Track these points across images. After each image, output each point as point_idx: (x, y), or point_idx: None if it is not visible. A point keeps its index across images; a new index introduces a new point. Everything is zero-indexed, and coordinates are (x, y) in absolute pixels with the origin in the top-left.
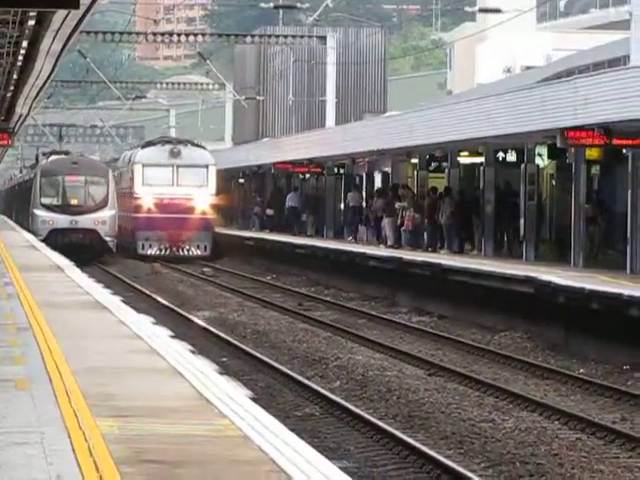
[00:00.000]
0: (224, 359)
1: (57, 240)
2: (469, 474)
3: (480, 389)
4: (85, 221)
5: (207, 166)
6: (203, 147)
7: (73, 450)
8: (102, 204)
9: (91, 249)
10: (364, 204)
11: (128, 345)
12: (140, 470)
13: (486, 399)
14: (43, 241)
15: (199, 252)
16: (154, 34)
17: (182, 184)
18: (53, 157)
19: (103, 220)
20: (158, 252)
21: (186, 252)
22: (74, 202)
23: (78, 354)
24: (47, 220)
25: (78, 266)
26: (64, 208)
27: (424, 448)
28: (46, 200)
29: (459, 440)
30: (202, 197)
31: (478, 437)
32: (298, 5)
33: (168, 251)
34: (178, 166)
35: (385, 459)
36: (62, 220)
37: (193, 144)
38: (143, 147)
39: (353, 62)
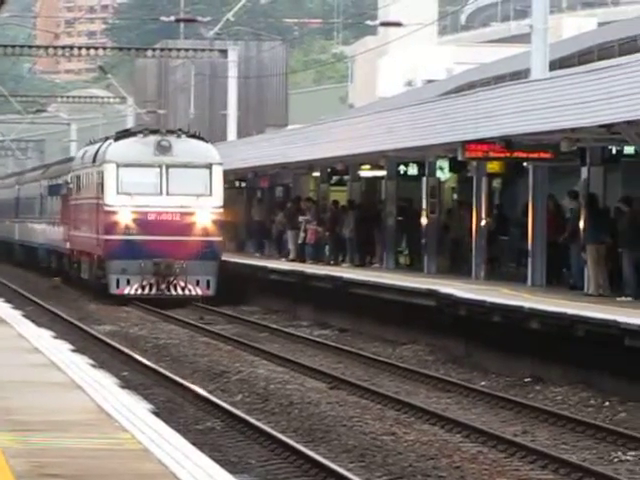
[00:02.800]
0: (125, 373)
1: None
2: None
3: (381, 402)
4: None
5: (210, 166)
6: (203, 139)
7: None
8: None
9: None
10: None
11: (27, 359)
12: None
13: (388, 412)
14: None
15: (199, 291)
16: (55, 47)
17: (175, 192)
18: None
19: None
20: (140, 291)
21: (180, 291)
22: None
23: None
24: None
25: None
26: None
27: (325, 461)
28: None
29: (361, 453)
30: (204, 211)
31: (380, 450)
32: (199, 19)
33: (154, 289)
34: (168, 166)
35: (287, 472)
36: None
37: (189, 134)
38: (117, 139)
39: (254, 76)
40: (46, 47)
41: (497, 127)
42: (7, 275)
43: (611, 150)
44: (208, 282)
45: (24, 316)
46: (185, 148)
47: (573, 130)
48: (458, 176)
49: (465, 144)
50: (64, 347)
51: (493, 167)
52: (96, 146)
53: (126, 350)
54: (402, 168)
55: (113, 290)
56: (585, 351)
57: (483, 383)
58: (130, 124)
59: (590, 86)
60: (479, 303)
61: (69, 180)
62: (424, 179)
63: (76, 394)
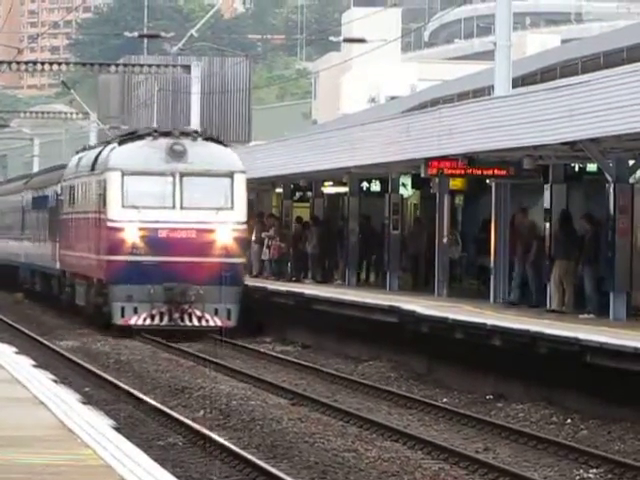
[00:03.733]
0: (87, 389)
1: None
2: None
3: (344, 419)
4: None
5: (232, 174)
6: (222, 142)
7: None
8: None
9: None
10: None
11: None
12: None
13: (349, 429)
14: None
15: (217, 321)
16: (18, 63)
17: (190, 205)
18: None
19: None
20: (149, 321)
21: (196, 322)
22: None
23: None
24: None
25: None
26: None
27: (287, 478)
28: None
29: (322, 470)
30: (225, 227)
31: (341, 467)
32: (162, 34)
33: (166, 319)
34: (183, 174)
35: None
36: None
37: (206, 137)
38: (122, 142)
39: (218, 91)
40: (9, 62)
41: (460, 144)
42: None
43: (574, 167)
44: (229, 311)
45: None
46: (202, 153)
47: (535, 147)
48: (421, 193)
49: (428, 161)
50: (26, 362)
51: (456, 184)
52: (94, 151)
53: (88, 366)
54: (365, 185)
55: (117, 320)
56: (547, 368)
57: (445, 400)
58: (93, 140)
59: (552, 103)
60: (441, 320)
61: (59, 191)
62: (387, 196)
63: (38, 410)
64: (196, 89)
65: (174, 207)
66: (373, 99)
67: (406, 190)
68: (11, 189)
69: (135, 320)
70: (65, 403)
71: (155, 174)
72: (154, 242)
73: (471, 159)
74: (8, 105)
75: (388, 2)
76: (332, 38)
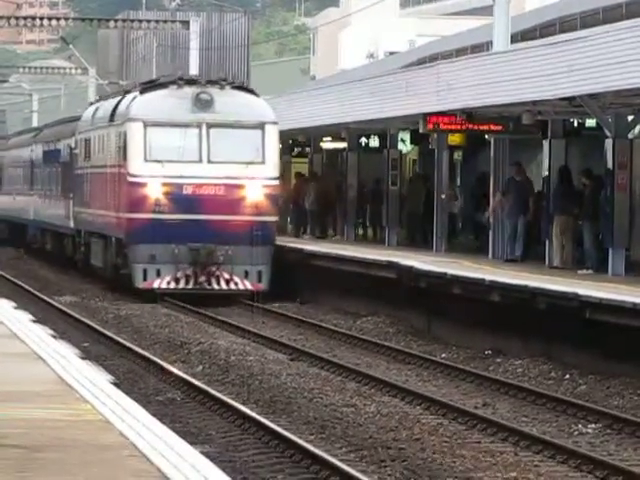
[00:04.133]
0: (86, 344)
1: None
2: (331, 458)
3: (342, 374)
4: None
5: (263, 125)
6: (253, 91)
7: None
8: None
9: None
10: None
11: None
12: (0, 454)
13: (348, 384)
14: None
15: (248, 284)
16: (16, 18)
17: (218, 159)
18: None
19: None
20: (173, 284)
21: (225, 285)
22: None
23: None
24: None
25: None
26: None
27: (286, 433)
28: None
29: (321, 425)
30: (255, 183)
31: (340, 422)
32: None
33: (192, 282)
34: (210, 125)
35: (247, 444)
36: None
37: (235, 85)
38: (143, 91)
39: (216, 47)
40: (8, 17)
41: (458, 99)
42: None
43: (573, 123)
44: (259, 273)
45: None
46: (230, 103)
47: (534, 103)
48: (420, 148)
49: (426, 116)
50: (25, 318)
51: (454, 139)
52: (112, 101)
53: (86, 321)
54: (363, 140)
55: (139, 283)
56: (546, 324)
57: (444, 355)
58: (92, 95)
59: (551, 59)
60: (440, 275)
61: (73, 145)
62: (385, 151)
63: (37, 365)
64: (194, 45)
65: (200, 161)
66: (372, 55)
67: (405, 146)
68: (19, 142)
69: (158, 283)
70: (64, 358)
71: (180, 125)
72: (179, 199)
73: (470, 114)
74: (7, 60)
75: None
76: None
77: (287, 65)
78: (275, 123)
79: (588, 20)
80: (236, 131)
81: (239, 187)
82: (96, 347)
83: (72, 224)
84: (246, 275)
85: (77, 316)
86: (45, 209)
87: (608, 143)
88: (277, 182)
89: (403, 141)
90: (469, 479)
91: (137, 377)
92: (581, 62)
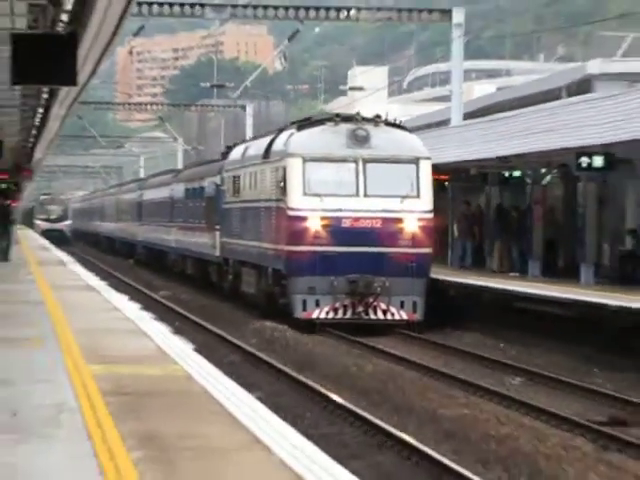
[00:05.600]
0: (177, 323)
1: None
2: (331, 395)
3: (348, 344)
4: None
5: (417, 161)
6: (405, 128)
7: (73, 386)
8: None
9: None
10: None
11: (110, 314)
12: (118, 400)
13: (354, 351)
14: None
15: (403, 315)
16: (129, 104)
17: (375, 193)
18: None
19: None
20: (332, 315)
21: (381, 315)
22: None
23: (76, 320)
24: None
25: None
26: None
27: (310, 382)
28: None
29: (334, 379)
30: (411, 216)
31: (349, 376)
32: (226, 84)
33: (349, 312)
34: (366, 161)
35: (286, 391)
36: None
37: (388, 122)
38: (300, 128)
39: (264, 124)
40: (123, 103)
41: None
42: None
43: (504, 174)
44: (415, 304)
45: (108, 285)
46: (385, 138)
47: (479, 161)
48: None
49: None
50: (135, 307)
51: None
52: (264, 140)
53: (177, 308)
54: None
55: (298, 314)
56: (486, 311)
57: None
58: (180, 157)
59: (491, 130)
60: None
61: (219, 182)
62: None
63: (143, 338)
64: (249, 123)
65: (358, 195)
66: None
67: None
68: (157, 183)
69: (317, 313)
70: (162, 333)
71: (337, 160)
72: (337, 232)
73: (435, 167)
74: (123, 132)
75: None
76: (341, 87)
77: None
78: (428, 158)
79: (515, 104)
80: (391, 166)
81: (395, 220)
82: (184, 326)
83: (218, 253)
84: (402, 305)
85: (170, 305)
86: (187, 239)
87: (528, 188)
88: (431, 215)
89: None
90: (434, 410)
91: (211, 345)
92: (511, 133)
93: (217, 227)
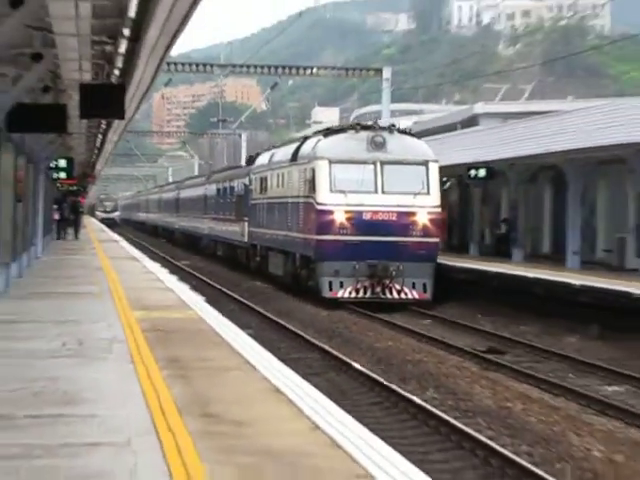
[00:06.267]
0: (194, 282)
1: None
2: (328, 350)
3: (354, 314)
4: None
5: (427, 163)
6: (415, 135)
7: (122, 325)
8: None
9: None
10: None
11: (148, 277)
12: (153, 335)
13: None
14: None
15: (415, 294)
16: (161, 132)
17: (391, 190)
18: None
19: None
20: (354, 294)
21: (396, 294)
22: None
23: (124, 280)
24: None
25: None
26: None
27: (284, 322)
28: None
29: (343, 342)
30: (422, 210)
31: (318, 321)
32: (228, 119)
33: (369, 292)
34: (383, 163)
35: (269, 329)
36: None
37: (401, 131)
38: (327, 135)
39: (253, 147)
40: (157, 132)
41: None
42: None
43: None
44: (424, 285)
45: (146, 256)
46: (399, 144)
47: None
48: None
49: None
50: (164, 271)
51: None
52: (290, 147)
53: (194, 272)
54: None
55: (325, 293)
56: (481, 289)
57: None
58: (196, 169)
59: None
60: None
61: (247, 182)
62: None
63: (170, 293)
64: (244, 145)
65: (376, 192)
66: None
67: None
68: (191, 184)
69: (341, 293)
70: (182, 290)
71: (358, 162)
72: (359, 223)
73: None
74: (156, 152)
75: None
76: (307, 121)
77: None
78: (436, 161)
79: (425, 134)
80: (405, 167)
81: (409, 214)
82: (199, 285)
83: (246, 239)
84: (413, 286)
85: (190, 270)
86: (220, 227)
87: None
88: (439, 209)
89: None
90: (420, 361)
91: (218, 297)
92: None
93: (245, 219)
